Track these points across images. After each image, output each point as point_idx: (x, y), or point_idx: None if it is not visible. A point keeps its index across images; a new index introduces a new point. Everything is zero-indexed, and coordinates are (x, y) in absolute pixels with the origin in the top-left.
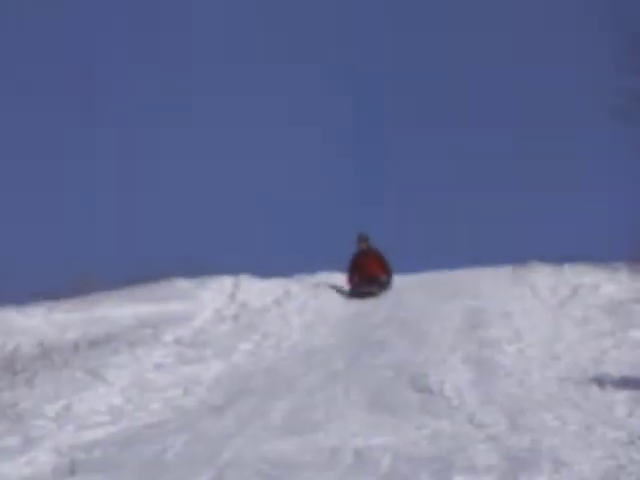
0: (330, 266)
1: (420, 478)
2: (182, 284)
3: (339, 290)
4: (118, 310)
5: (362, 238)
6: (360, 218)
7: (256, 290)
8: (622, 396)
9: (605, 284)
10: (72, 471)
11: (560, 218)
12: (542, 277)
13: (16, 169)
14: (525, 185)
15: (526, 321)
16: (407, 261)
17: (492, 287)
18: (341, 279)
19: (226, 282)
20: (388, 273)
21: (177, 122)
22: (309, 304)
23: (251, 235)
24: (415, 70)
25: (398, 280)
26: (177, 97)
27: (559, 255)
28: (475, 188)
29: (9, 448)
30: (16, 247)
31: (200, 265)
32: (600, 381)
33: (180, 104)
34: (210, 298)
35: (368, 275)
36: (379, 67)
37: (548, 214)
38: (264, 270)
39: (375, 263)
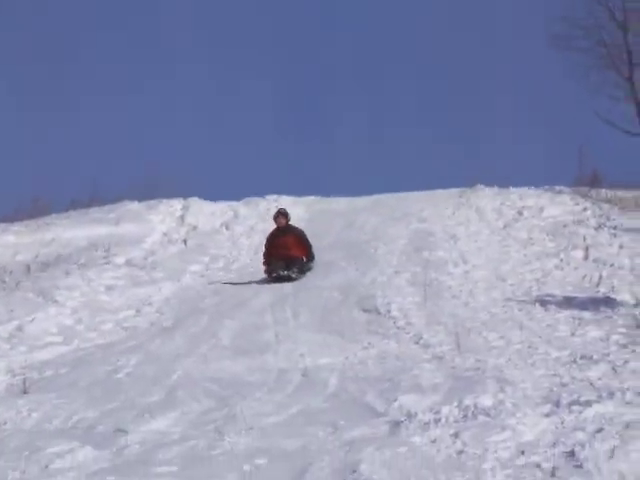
0: (279, 189)
1: (367, 397)
2: (132, 207)
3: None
4: (69, 232)
5: (281, 213)
6: (313, 138)
7: (205, 213)
8: (564, 316)
9: (549, 207)
10: (25, 390)
11: (505, 142)
12: (488, 200)
13: None
14: (472, 110)
15: (472, 243)
16: (356, 183)
17: (438, 210)
18: (289, 202)
19: (176, 205)
20: (309, 255)
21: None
22: (258, 227)
23: (201, 158)
24: None
25: (346, 202)
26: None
27: (504, 179)
28: (425, 113)
29: None
30: None
31: (150, 188)
32: (543, 301)
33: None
34: (160, 221)
35: (285, 256)
36: None
37: (493, 138)
38: (213, 193)
39: (294, 243)
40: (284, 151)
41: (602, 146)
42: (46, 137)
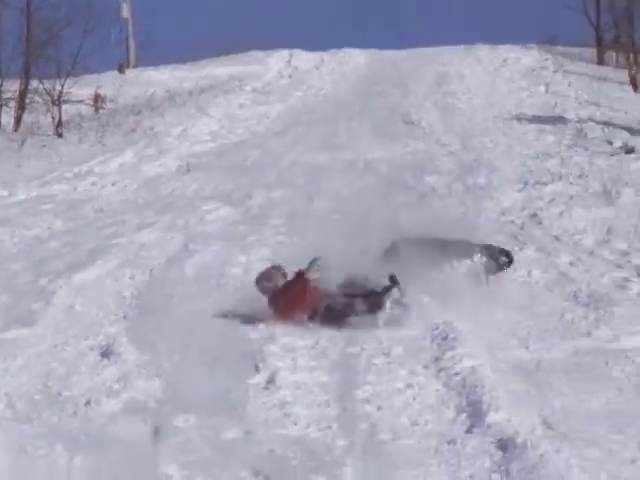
0: (352, 44)
1: (405, 177)
2: (257, 54)
3: (356, 62)
4: (217, 70)
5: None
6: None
7: (304, 59)
8: (532, 127)
9: (523, 58)
10: (188, 170)
11: (495, 10)
12: (484, 53)
13: None
14: None
15: (474, 80)
16: (403, 40)
17: (452, 59)
18: (358, 53)
19: (285, 54)
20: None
21: None
22: (337, 69)
23: (304, 18)
24: None
25: (394, 53)
26: None
27: (494, 39)
28: None
29: (148, 156)
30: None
31: (269, 41)
32: (519, 118)
33: None
34: (274, 63)
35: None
36: None
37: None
38: (309, 46)
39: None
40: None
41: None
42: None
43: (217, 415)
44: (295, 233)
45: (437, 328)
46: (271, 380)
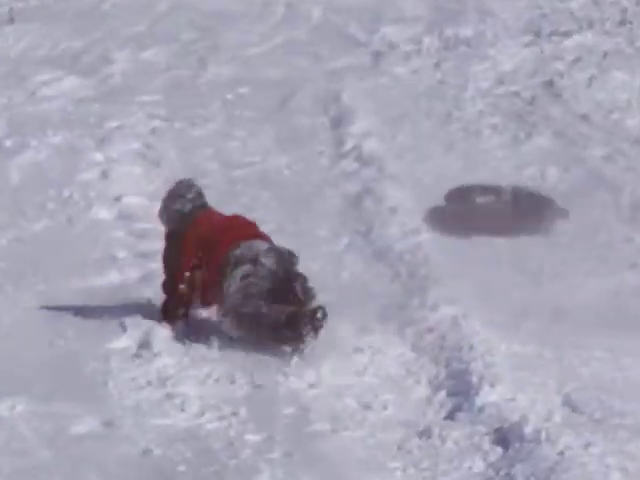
0: None
1: (350, 29)
2: None
3: None
4: None
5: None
6: None
7: None
8: None
9: None
10: (11, 19)
11: None
12: None
13: None
14: None
15: None
16: None
17: None
18: None
19: None
20: None
21: None
22: None
23: None
24: None
25: None
26: None
27: None
28: None
29: None
30: None
31: None
32: None
33: None
34: None
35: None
36: None
37: None
38: None
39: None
40: None
41: None
42: None
43: (60, 398)
44: (180, 116)
45: (401, 259)
46: (145, 343)
